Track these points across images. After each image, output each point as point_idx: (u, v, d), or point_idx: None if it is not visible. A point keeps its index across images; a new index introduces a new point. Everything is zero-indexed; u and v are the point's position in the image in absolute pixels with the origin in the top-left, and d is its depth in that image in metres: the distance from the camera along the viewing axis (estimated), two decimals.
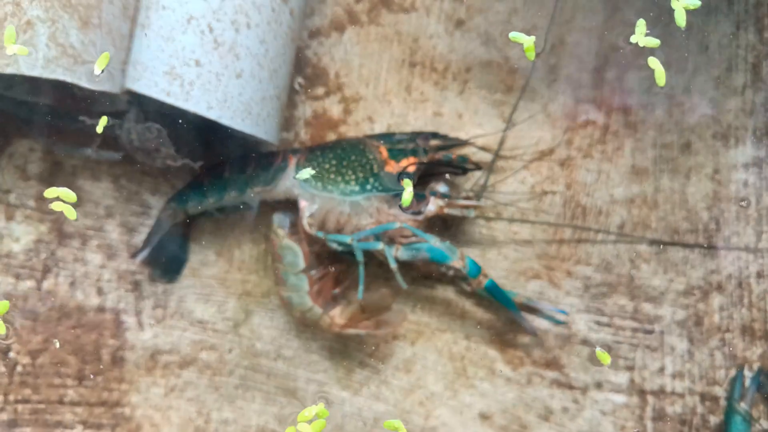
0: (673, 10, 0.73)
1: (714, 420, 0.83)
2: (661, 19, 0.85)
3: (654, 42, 0.72)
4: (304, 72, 0.88)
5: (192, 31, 0.75)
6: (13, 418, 0.84)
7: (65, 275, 0.86)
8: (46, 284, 0.85)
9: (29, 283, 0.85)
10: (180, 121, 0.80)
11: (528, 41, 0.73)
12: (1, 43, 0.69)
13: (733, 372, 0.83)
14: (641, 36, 0.72)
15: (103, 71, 0.72)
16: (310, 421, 0.72)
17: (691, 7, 0.71)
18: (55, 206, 0.75)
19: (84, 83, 0.72)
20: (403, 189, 0.78)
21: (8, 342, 0.84)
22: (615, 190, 0.86)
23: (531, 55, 0.74)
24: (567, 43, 0.87)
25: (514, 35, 0.73)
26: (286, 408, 0.84)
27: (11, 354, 0.84)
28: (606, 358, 0.77)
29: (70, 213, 0.74)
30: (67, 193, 0.75)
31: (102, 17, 0.73)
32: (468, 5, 0.88)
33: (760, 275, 0.84)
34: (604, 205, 0.86)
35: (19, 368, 0.84)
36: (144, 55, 0.75)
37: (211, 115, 0.76)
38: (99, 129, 0.76)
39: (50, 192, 0.75)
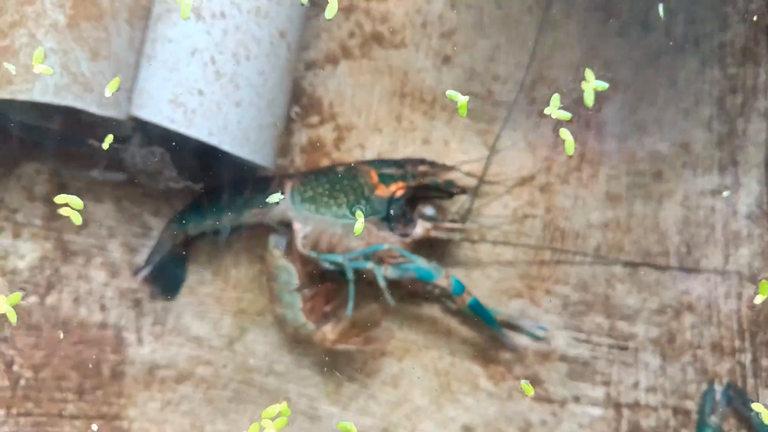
0: (648, 50, 0.78)
1: None
2: (632, 57, 0.91)
3: (566, 115, 0.76)
4: (300, 101, 0.93)
5: (196, 62, 0.80)
6: (15, 431, 0.87)
7: (69, 291, 0.89)
8: (50, 300, 0.89)
9: (33, 299, 0.89)
10: (182, 146, 0.84)
11: (462, 100, 0.78)
12: (18, 69, 0.74)
13: (704, 386, 0.87)
14: (554, 109, 0.76)
15: (111, 95, 0.77)
16: (273, 419, 0.76)
17: (600, 89, 0.75)
18: (64, 211, 0.79)
19: (93, 109, 0.77)
20: (392, 211, 0.82)
21: (12, 353, 0.88)
22: (591, 214, 0.91)
23: (463, 112, 0.78)
24: (546, 78, 0.93)
25: (450, 94, 0.78)
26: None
27: (15, 368, 0.87)
28: (529, 390, 0.80)
29: (77, 219, 0.79)
30: (75, 201, 0.79)
31: (110, 49, 0.78)
32: (454, 42, 0.93)
33: (727, 295, 0.89)
34: (581, 228, 0.91)
35: (22, 382, 0.87)
36: (149, 84, 0.80)
37: (212, 141, 0.80)
38: (105, 146, 0.80)
39: (60, 198, 0.79)
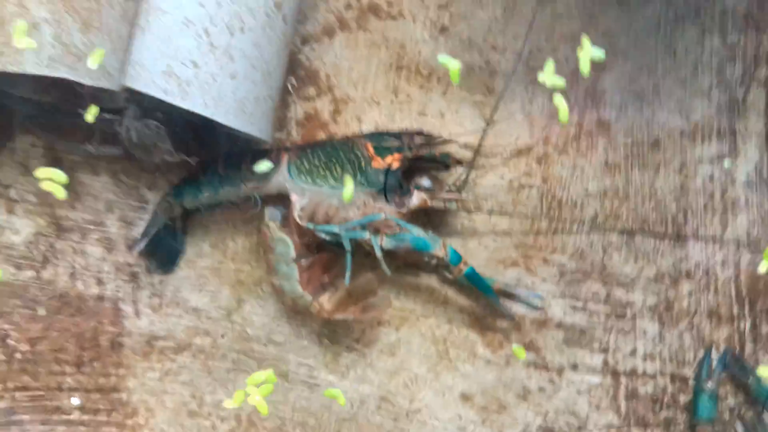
0: (647, 19, 0.76)
1: (683, 399, 0.87)
2: (632, 27, 0.91)
3: (560, 82, 0.74)
4: (296, 74, 0.92)
5: (189, 34, 0.79)
6: (11, 406, 0.87)
7: (65, 266, 0.89)
8: (46, 274, 0.89)
9: (29, 273, 0.89)
10: (177, 118, 0.84)
11: (454, 66, 0.75)
12: (7, 40, 0.73)
13: (701, 353, 0.87)
14: (549, 75, 0.74)
15: (104, 67, 0.76)
16: (258, 385, 0.76)
17: (597, 59, 0.74)
18: (46, 186, 0.78)
19: (86, 81, 0.76)
20: (388, 183, 0.82)
21: (6, 327, 0.88)
22: (589, 183, 0.91)
23: (455, 78, 0.75)
24: (545, 49, 0.92)
25: (442, 59, 0.75)
26: (279, 391, 0.88)
27: (10, 341, 0.87)
28: (521, 354, 0.80)
29: (59, 193, 0.78)
30: (58, 174, 0.78)
31: (102, 20, 0.77)
32: (452, 13, 0.92)
33: (725, 263, 0.89)
34: (579, 197, 0.91)
35: (18, 355, 0.87)
36: (143, 56, 0.79)
37: (207, 112, 0.79)
38: (89, 117, 0.79)
39: (41, 172, 0.78)
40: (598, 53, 0.73)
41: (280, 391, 0.88)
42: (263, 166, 0.82)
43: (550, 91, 0.90)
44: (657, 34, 0.91)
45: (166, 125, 0.84)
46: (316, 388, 0.89)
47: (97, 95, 0.82)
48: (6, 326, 0.88)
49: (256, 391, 0.75)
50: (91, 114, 0.79)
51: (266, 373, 0.77)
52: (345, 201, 0.80)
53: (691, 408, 0.86)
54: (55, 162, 0.90)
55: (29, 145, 0.90)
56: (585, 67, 0.74)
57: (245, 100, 0.82)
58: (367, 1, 0.92)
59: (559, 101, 0.74)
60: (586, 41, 0.74)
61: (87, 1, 0.76)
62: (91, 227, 0.90)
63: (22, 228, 0.89)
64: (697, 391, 0.86)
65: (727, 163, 0.90)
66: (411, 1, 0.92)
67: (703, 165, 0.90)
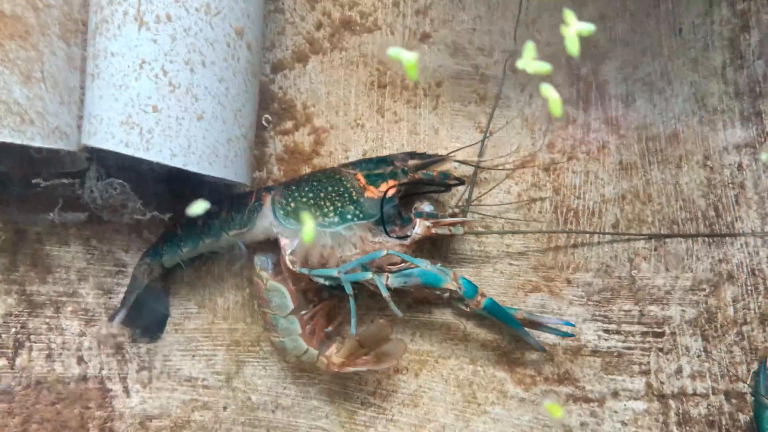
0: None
1: (744, 418, 0.79)
2: (627, 9, 0.83)
3: (545, 68, 0.64)
4: (270, 107, 0.85)
5: (145, 75, 0.71)
6: None
7: (39, 348, 0.81)
8: (20, 361, 0.80)
9: (1, 363, 0.80)
10: (145, 172, 0.76)
11: (409, 59, 0.64)
12: None
13: (755, 365, 0.79)
14: (529, 61, 0.64)
15: (56, 124, 0.68)
16: None
17: (585, 33, 0.65)
18: None
19: (37, 143, 0.68)
20: (385, 213, 0.74)
21: None
22: (605, 188, 0.83)
23: (413, 73, 0.64)
24: (538, 42, 0.84)
25: (392, 52, 0.63)
26: None
27: None
28: (557, 411, 0.72)
29: None
30: None
31: (45, 70, 0.69)
32: (432, 18, 0.85)
33: None
34: (596, 205, 0.83)
35: None
36: (98, 107, 0.71)
37: (176, 162, 0.72)
38: (195, 210, 0.69)
39: None
40: (586, 27, 0.64)
41: None
42: (198, 207, 0.72)
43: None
44: (657, 11, 0.83)
45: (132, 181, 0.77)
46: None
47: (56, 158, 0.74)
48: None
49: None
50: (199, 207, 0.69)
51: None
52: (306, 241, 0.70)
53: (755, 427, 0.78)
54: (17, 235, 0.82)
55: None
56: (572, 47, 0.64)
57: (217, 143, 0.74)
58: (338, 17, 0.85)
59: (548, 91, 0.64)
60: (569, 15, 0.64)
61: (24, 51, 0.67)
62: (65, 299, 0.82)
63: None
64: (758, 408, 0.78)
65: (765, 156, 0.81)
66: (386, 10, 0.85)
67: (728, 153, 0.82)
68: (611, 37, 0.83)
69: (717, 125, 0.83)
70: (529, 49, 0.64)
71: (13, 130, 0.67)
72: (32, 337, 0.81)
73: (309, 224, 0.68)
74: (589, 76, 0.84)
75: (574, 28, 0.63)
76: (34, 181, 0.73)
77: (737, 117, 0.83)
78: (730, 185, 0.82)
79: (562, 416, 0.79)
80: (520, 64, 0.64)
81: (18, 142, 0.67)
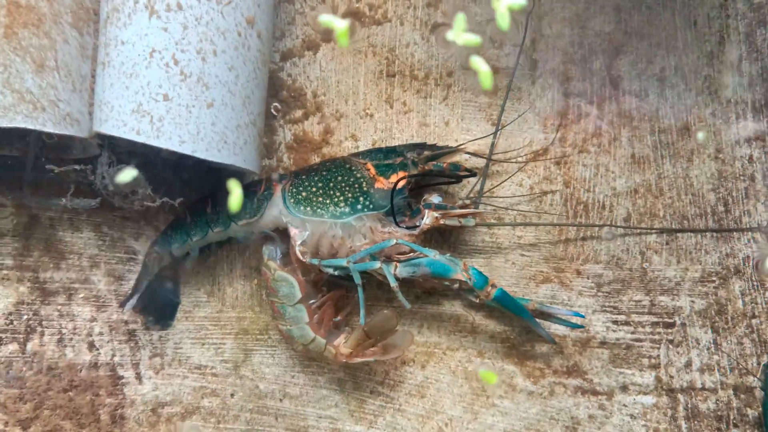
0: None
1: (752, 413, 0.78)
2: (644, 2, 0.82)
3: (475, 40, 0.63)
4: (279, 95, 0.84)
5: (156, 64, 0.71)
6: None
7: (51, 333, 0.81)
8: (31, 346, 0.81)
9: (12, 347, 0.81)
10: (155, 159, 0.77)
11: (341, 26, 0.63)
12: None
13: (765, 358, 0.79)
14: (459, 33, 0.63)
15: (69, 111, 0.68)
16: None
17: (516, 8, 0.64)
18: None
19: (49, 129, 0.69)
20: (395, 204, 0.74)
21: None
22: (616, 182, 0.83)
23: (344, 41, 0.63)
24: (548, 36, 0.84)
25: (323, 19, 0.62)
26: None
27: None
28: (492, 378, 0.72)
29: None
30: None
31: (58, 59, 0.70)
32: (443, 9, 0.84)
33: None
34: (607, 198, 0.83)
35: None
36: (109, 95, 0.71)
37: (185, 149, 0.72)
38: (123, 178, 0.70)
39: None
40: (517, 2, 0.62)
41: None
42: (126, 175, 0.71)
43: (560, 83, 0.82)
44: (673, 5, 0.82)
45: (143, 168, 0.77)
46: None
47: (67, 144, 0.75)
48: None
49: None
50: (128, 175, 0.70)
51: None
52: (232, 211, 0.69)
53: (763, 422, 0.78)
54: (30, 220, 0.82)
55: None
56: (503, 21, 0.62)
57: (226, 130, 0.74)
58: (347, 8, 0.84)
59: (477, 64, 0.62)
60: None
61: (37, 39, 0.67)
62: (77, 286, 0.82)
63: (0, 298, 0.81)
64: (767, 403, 0.77)
65: None
66: (396, 1, 0.84)
67: (740, 146, 0.82)
68: (626, 30, 0.83)
69: (729, 117, 0.82)
70: (459, 21, 0.63)
71: (26, 116, 0.67)
72: (44, 322, 0.81)
73: (236, 190, 0.65)
74: (602, 70, 0.83)
75: (505, 2, 0.61)
76: (47, 166, 0.73)
77: (749, 109, 0.82)
78: (741, 178, 0.81)
79: (496, 382, 0.78)
80: (450, 35, 0.63)
81: (30, 127, 0.67)
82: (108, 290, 0.83)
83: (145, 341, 0.82)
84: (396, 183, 0.77)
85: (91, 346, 0.82)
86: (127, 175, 0.70)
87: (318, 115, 0.84)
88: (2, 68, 0.66)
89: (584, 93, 0.83)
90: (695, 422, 0.79)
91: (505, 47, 0.84)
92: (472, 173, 0.80)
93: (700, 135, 0.77)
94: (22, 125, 0.67)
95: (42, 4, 0.67)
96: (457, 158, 0.82)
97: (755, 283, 0.80)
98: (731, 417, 0.79)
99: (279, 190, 0.78)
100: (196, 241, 0.80)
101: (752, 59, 0.82)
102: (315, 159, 0.84)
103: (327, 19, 0.63)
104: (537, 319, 0.78)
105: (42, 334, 0.81)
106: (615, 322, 0.81)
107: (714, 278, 0.81)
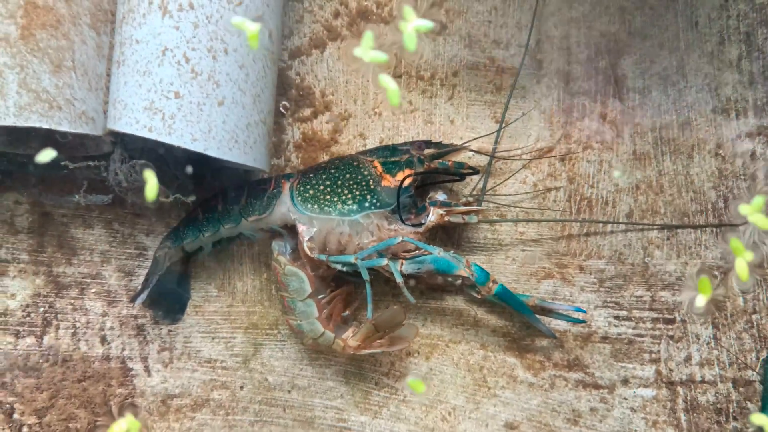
0: None
1: (752, 407, 0.79)
2: (647, 2, 0.83)
3: (382, 57, 0.63)
4: (288, 94, 0.86)
5: (168, 62, 0.73)
6: None
7: (65, 327, 0.83)
8: (47, 339, 0.83)
9: (29, 340, 0.83)
10: (167, 156, 0.78)
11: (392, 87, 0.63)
12: None
13: (764, 353, 0.80)
14: (366, 49, 0.63)
15: (84, 110, 0.70)
16: None
17: (423, 29, 0.64)
18: None
19: (64, 128, 0.70)
20: (401, 202, 0.75)
21: (11, 399, 0.82)
22: (618, 178, 0.84)
23: (395, 100, 0.64)
24: (554, 36, 0.85)
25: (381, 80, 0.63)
26: None
27: (15, 415, 0.81)
28: (419, 386, 0.74)
29: None
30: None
31: (75, 59, 0.71)
32: (447, 9, 0.86)
33: None
34: (609, 195, 0.84)
35: (25, 429, 0.81)
36: (122, 93, 0.73)
37: (197, 147, 0.74)
38: (43, 158, 0.71)
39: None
40: (425, 24, 0.63)
41: None
42: (45, 156, 0.69)
43: (565, 82, 0.84)
44: (675, 5, 0.84)
45: (155, 165, 0.78)
46: None
47: (81, 142, 0.76)
48: (10, 399, 0.82)
49: None
50: (46, 156, 0.70)
51: (128, 419, 0.70)
52: (148, 199, 0.70)
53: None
54: (43, 217, 0.84)
55: (13, 203, 0.84)
56: (410, 42, 0.63)
57: (236, 129, 0.76)
58: (356, 6, 0.86)
59: (385, 82, 0.63)
60: (408, 11, 0.64)
61: (55, 40, 0.69)
62: (89, 281, 0.84)
63: (17, 291, 0.83)
64: (767, 395, 0.78)
65: None
66: (402, 0, 0.86)
67: (741, 143, 0.83)
68: (630, 30, 0.84)
69: (730, 114, 0.83)
70: (368, 38, 0.64)
71: (41, 116, 0.69)
72: (59, 316, 0.83)
73: (152, 180, 0.65)
74: (607, 69, 0.84)
75: (413, 24, 0.63)
76: (62, 163, 0.75)
77: (750, 106, 0.83)
78: (741, 175, 0.82)
79: (424, 391, 0.80)
80: (357, 52, 0.64)
81: (45, 126, 0.69)
82: (119, 285, 0.85)
83: (154, 335, 0.84)
84: (402, 181, 0.79)
85: (103, 339, 0.83)
86: (47, 155, 0.70)
87: (326, 114, 0.86)
88: (19, 69, 0.68)
89: (589, 91, 0.84)
90: (694, 414, 0.80)
91: (510, 47, 0.85)
92: (475, 171, 0.82)
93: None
94: (37, 124, 0.69)
95: (60, 5, 0.69)
96: (462, 156, 0.83)
97: (756, 279, 0.81)
98: (730, 409, 0.80)
99: (287, 187, 0.80)
100: (207, 237, 0.81)
101: (752, 58, 0.83)
102: (324, 157, 0.85)
103: (385, 79, 0.65)
104: (539, 315, 0.79)
105: (57, 328, 0.83)
106: (617, 318, 0.82)
107: (714, 273, 0.82)
